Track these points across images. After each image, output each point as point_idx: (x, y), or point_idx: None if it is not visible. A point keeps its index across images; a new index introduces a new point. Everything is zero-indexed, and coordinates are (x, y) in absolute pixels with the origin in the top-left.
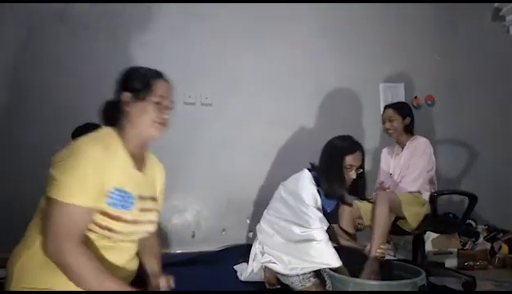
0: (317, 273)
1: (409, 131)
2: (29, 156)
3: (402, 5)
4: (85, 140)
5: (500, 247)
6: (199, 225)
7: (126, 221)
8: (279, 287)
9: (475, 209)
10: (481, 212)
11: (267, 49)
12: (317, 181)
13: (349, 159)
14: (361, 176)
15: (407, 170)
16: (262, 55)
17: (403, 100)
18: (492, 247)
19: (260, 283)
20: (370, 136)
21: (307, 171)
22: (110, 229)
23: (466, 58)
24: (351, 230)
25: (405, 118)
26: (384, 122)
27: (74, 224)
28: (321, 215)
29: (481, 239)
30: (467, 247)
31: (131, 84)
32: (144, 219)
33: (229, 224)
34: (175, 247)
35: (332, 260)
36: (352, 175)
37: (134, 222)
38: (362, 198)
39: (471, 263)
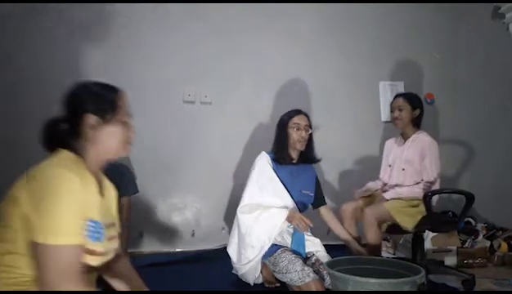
0: (317, 270)
1: (416, 124)
2: (26, 157)
3: (402, 4)
4: (57, 171)
5: (500, 245)
6: (198, 224)
7: (99, 254)
8: (278, 285)
9: (475, 207)
10: (480, 211)
11: (266, 48)
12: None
13: (295, 119)
14: (310, 138)
15: (423, 172)
16: (262, 54)
17: None
18: (492, 245)
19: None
20: (370, 135)
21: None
22: (85, 265)
23: (466, 56)
24: (353, 230)
25: (414, 110)
26: (392, 111)
27: (71, 264)
28: (256, 187)
29: (480, 237)
30: (466, 245)
31: (96, 106)
32: (111, 248)
33: (228, 223)
34: (175, 246)
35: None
36: (302, 133)
37: (104, 254)
38: (312, 159)
39: (470, 261)
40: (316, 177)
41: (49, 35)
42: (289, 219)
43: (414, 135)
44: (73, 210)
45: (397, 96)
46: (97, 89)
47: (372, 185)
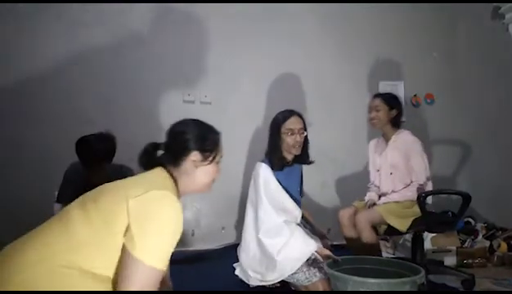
0: (320, 266)
1: (395, 124)
2: (26, 157)
3: (402, 4)
4: (167, 197)
5: (499, 245)
6: (198, 223)
7: None
8: (279, 285)
9: (474, 207)
10: (480, 211)
11: (266, 48)
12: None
13: (287, 124)
14: (305, 139)
15: (412, 173)
16: (262, 54)
17: (402, 98)
18: (491, 245)
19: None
20: (369, 135)
21: (258, 163)
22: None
23: (466, 56)
24: (353, 234)
25: (391, 110)
26: (369, 111)
27: (155, 284)
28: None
29: (480, 237)
30: (466, 245)
31: (202, 145)
32: None
33: (228, 223)
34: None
35: (304, 252)
36: (297, 137)
37: None
38: (306, 161)
39: (470, 261)
40: (301, 171)
41: (49, 35)
42: (319, 252)
43: (394, 136)
44: (173, 239)
45: (374, 96)
46: (203, 130)
47: (373, 195)
